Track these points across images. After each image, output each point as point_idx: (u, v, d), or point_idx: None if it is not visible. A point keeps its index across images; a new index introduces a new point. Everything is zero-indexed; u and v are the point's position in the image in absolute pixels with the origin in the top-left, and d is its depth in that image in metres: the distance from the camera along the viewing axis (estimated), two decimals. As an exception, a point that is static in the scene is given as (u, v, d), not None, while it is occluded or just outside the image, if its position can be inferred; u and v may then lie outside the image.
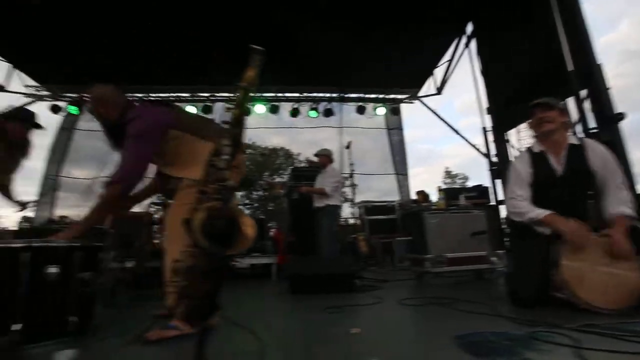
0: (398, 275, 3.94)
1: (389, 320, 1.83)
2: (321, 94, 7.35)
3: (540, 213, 1.84)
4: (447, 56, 6.40)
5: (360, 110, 7.39)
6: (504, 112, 4.80)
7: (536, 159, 1.98)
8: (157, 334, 1.46)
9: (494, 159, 5.04)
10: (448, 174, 26.91)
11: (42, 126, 2.42)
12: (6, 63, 5.81)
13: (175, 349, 1.39)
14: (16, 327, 1.35)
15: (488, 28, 5.03)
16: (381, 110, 7.49)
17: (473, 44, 5.47)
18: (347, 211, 8.11)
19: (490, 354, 1.18)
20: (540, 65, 3.89)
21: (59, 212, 6.16)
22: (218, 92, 6.99)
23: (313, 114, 7.21)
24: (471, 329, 1.45)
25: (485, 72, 5.20)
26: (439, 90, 7.17)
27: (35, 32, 4.95)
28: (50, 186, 6.38)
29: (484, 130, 5.19)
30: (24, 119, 2.29)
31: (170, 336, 1.45)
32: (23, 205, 2.66)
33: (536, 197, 1.95)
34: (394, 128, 7.84)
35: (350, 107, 7.57)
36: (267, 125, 7.69)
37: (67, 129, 6.66)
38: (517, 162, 2.07)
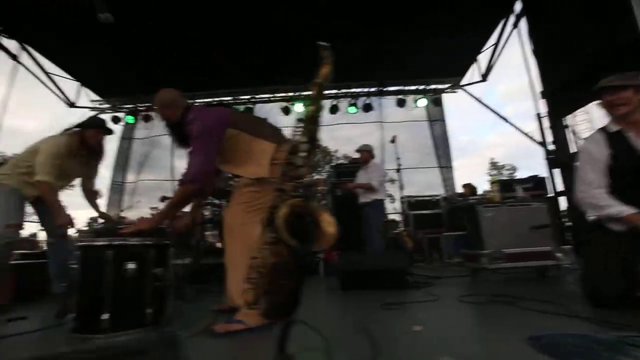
0: (448, 271, 3.79)
1: (450, 318, 1.77)
2: (359, 89, 7.27)
3: (623, 210, 1.62)
4: (492, 39, 6.01)
5: (400, 103, 7.21)
6: (561, 95, 4.40)
7: (613, 139, 1.75)
8: (223, 327, 1.54)
9: (551, 147, 4.65)
10: (494, 165, 25.31)
11: (113, 131, 2.67)
12: (75, 82, 6.54)
13: (242, 342, 1.46)
14: (105, 316, 1.51)
15: (541, 3, 4.63)
16: (422, 102, 7.24)
17: (522, 23, 5.08)
18: (388, 207, 7.96)
19: (573, 358, 1.09)
20: (606, 39, 3.50)
21: (123, 214, 6.77)
22: (257, 94, 7.22)
23: (352, 109, 7.16)
24: (543, 329, 1.36)
25: (538, 53, 4.80)
26: (484, 77, 6.76)
27: (97, 52, 5.48)
28: (117, 190, 7.06)
29: (539, 117, 4.81)
30: (98, 126, 2.54)
31: (236, 330, 1.53)
32: (110, 220, 2.85)
33: (612, 183, 1.73)
34: (436, 120, 7.53)
35: (390, 100, 7.43)
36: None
37: (126, 138, 7.28)
38: (590, 144, 1.83)
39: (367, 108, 7.25)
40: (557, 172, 4.53)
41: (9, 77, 5.39)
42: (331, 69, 0.91)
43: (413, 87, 7.34)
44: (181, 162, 7.64)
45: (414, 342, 1.35)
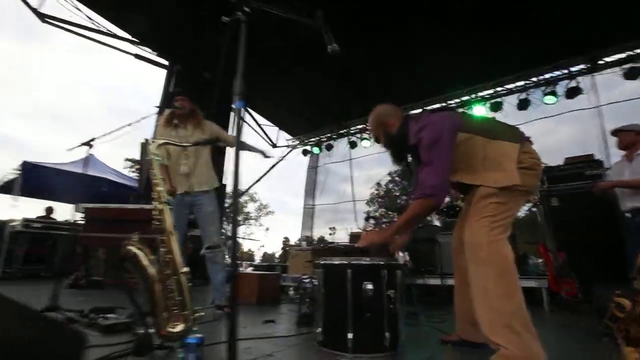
0: None
1: None
2: (557, 72, 5.79)
3: None
4: None
5: (632, 74, 5.23)
6: None
7: None
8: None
9: None
10: None
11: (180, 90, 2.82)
12: (275, 127, 8.23)
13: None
14: (349, 335, 1.54)
15: None
16: (675, 64, 5.01)
17: None
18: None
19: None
20: None
21: (314, 234, 7.81)
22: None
23: (550, 99, 5.75)
24: None
25: None
26: None
27: (286, 101, 6.79)
28: (309, 214, 8.25)
29: None
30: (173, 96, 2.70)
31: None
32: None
33: None
34: None
35: (608, 76, 5.55)
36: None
37: (313, 167, 8.47)
38: None
39: (573, 93, 5.65)
40: None
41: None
42: None
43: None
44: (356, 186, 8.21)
45: None
